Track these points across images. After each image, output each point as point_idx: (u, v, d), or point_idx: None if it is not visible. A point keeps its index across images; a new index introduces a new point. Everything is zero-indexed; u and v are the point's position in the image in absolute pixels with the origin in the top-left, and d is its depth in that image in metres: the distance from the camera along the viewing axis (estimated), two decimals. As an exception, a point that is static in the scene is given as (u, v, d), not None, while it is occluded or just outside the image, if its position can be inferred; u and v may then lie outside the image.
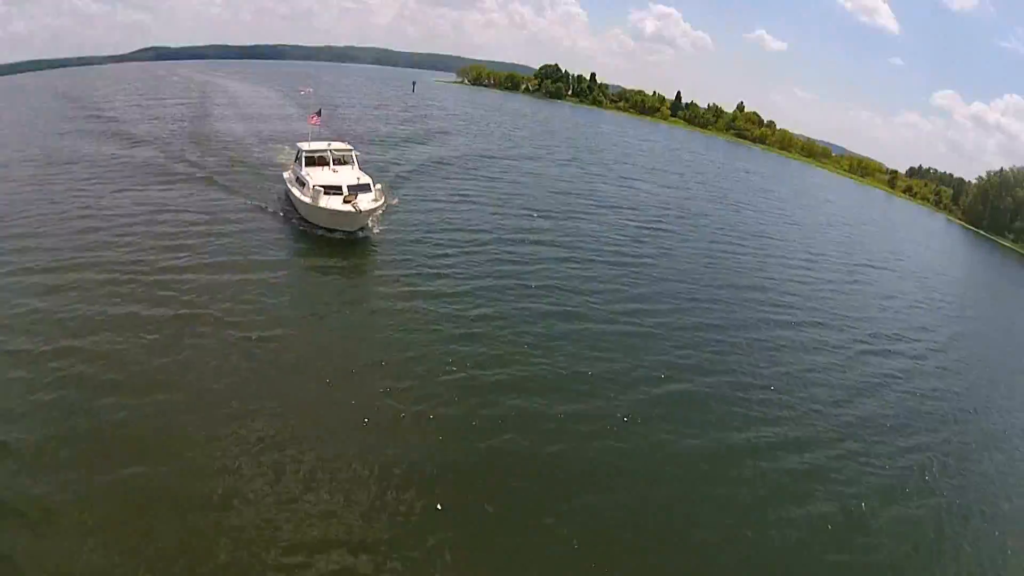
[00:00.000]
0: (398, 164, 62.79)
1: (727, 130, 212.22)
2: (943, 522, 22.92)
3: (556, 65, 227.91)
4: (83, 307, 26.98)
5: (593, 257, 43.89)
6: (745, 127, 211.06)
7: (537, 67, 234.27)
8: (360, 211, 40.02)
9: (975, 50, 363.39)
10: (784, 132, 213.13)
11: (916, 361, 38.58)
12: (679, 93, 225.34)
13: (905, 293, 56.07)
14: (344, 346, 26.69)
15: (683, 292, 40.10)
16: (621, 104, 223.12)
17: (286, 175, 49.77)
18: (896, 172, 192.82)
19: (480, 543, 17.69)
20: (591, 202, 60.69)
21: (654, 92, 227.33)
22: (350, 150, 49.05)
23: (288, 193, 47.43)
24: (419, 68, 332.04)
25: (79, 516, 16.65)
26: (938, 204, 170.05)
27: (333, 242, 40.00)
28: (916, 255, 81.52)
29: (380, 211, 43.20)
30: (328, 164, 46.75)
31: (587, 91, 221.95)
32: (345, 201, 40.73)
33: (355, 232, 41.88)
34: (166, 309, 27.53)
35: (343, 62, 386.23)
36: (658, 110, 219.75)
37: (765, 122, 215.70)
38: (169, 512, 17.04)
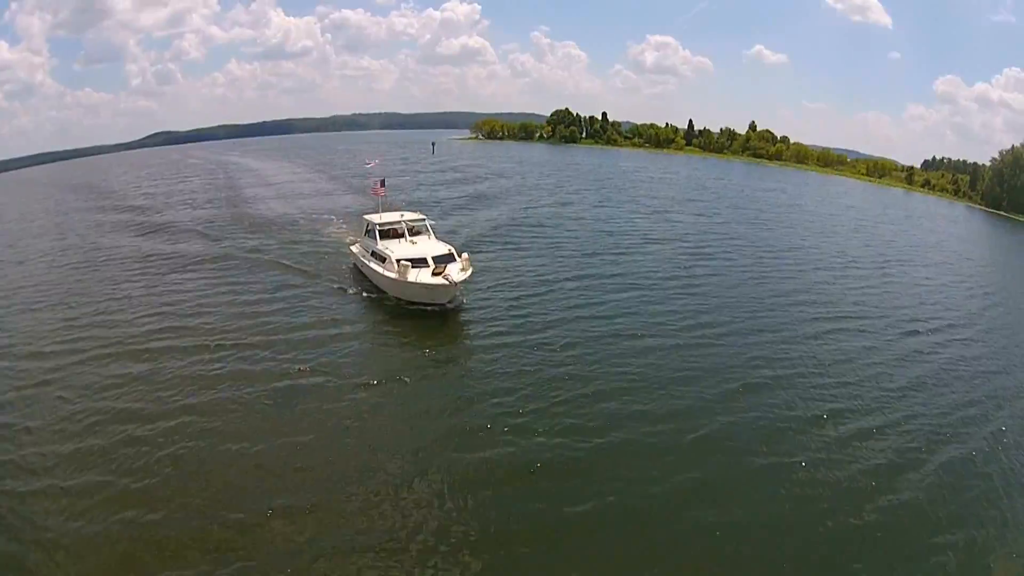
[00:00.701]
0: (462, 228, 65.57)
1: (743, 152, 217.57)
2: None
3: (567, 109, 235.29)
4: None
5: (655, 287, 49.36)
6: (760, 146, 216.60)
7: (548, 114, 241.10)
8: (454, 283, 39.68)
9: (968, 29, 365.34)
10: (799, 146, 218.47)
11: (955, 336, 44.59)
12: (691, 121, 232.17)
13: (933, 279, 62.01)
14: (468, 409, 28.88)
15: (740, 306, 46.14)
16: (635, 140, 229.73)
17: (355, 249, 50.10)
18: (913, 168, 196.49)
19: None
20: (636, 239, 66.38)
21: (667, 124, 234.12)
22: (423, 219, 49.21)
23: (361, 268, 47.97)
24: (428, 128, 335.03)
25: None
26: (957, 193, 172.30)
27: (425, 315, 40.68)
28: (940, 244, 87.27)
29: (469, 280, 42.08)
30: (403, 236, 46.79)
31: (600, 131, 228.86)
32: (435, 273, 40.23)
33: (446, 304, 41.68)
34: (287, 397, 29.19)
35: (352, 130, 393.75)
36: (672, 141, 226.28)
37: (779, 138, 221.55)
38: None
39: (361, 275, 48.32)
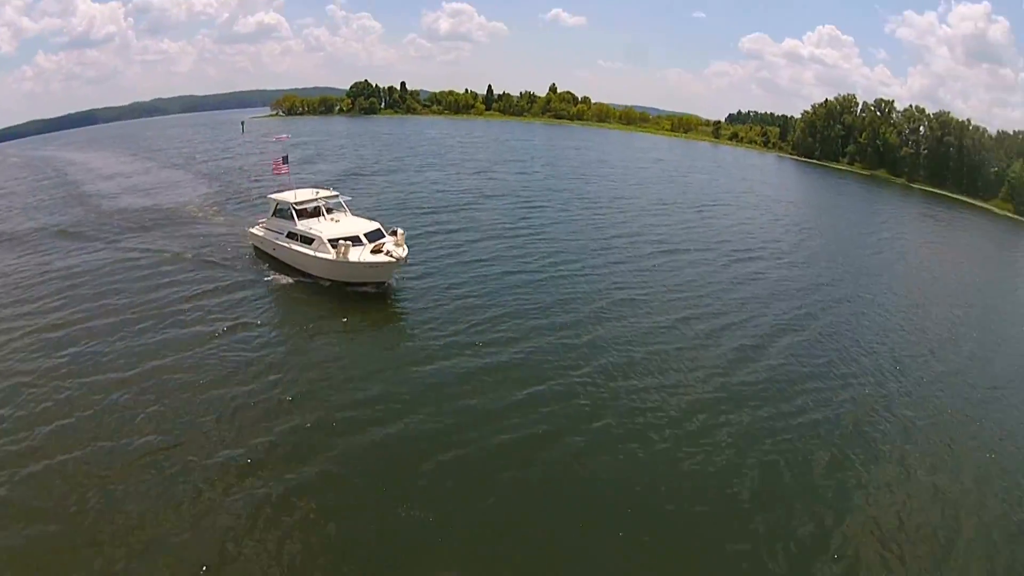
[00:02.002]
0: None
1: (543, 114, 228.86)
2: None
3: (366, 81, 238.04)
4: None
5: (506, 235, 56.90)
6: (561, 107, 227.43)
7: (346, 87, 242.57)
8: (402, 258, 41.47)
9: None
10: (601, 105, 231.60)
11: (776, 260, 57.02)
12: (490, 86, 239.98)
13: (753, 219, 75.23)
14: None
15: (587, 247, 55.27)
16: (435, 108, 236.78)
17: (259, 232, 49.68)
18: (719, 122, 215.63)
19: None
20: (472, 196, 73.31)
21: (466, 90, 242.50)
22: (337, 196, 49.32)
23: (273, 252, 47.90)
24: (227, 108, 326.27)
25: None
26: (766, 144, 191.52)
27: (356, 296, 41.91)
28: (753, 190, 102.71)
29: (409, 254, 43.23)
30: (321, 215, 46.99)
31: (400, 101, 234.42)
32: (374, 251, 41.74)
33: (388, 281, 43.41)
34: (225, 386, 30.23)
35: (152, 115, 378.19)
36: (472, 106, 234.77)
37: (580, 99, 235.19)
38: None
39: (271, 259, 48.24)
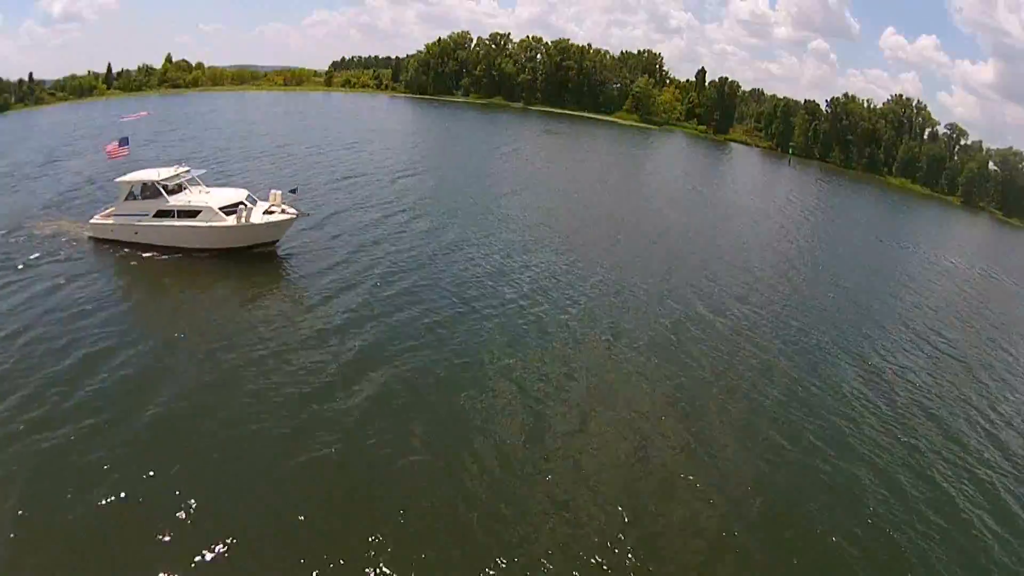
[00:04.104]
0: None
1: (161, 85, 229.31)
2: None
3: None
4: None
5: None
6: (178, 76, 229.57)
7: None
8: (304, 213, 49.91)
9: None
10: (214, 69, 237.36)
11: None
12: (109, 65, 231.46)
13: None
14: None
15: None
16: (60, 95, 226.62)
17: (104, 221, 49.83)
18: (331, 72, 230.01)
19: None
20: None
21: (88, 72, 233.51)
22: (190, 171, 51.07)
23: (134, 237, 48.48)
24: None
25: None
26: (380, 87, 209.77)
27: (249, 259, 48.03)
28: (382, 128, 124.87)
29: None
30: (185, 189, 49.49)
31: (29, 93, 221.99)
32: (267, 212, 47.68)
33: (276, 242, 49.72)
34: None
35: None
36: (95, 88, 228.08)
37: (195, 65, 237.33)
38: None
39: (126, 244, 48.87)
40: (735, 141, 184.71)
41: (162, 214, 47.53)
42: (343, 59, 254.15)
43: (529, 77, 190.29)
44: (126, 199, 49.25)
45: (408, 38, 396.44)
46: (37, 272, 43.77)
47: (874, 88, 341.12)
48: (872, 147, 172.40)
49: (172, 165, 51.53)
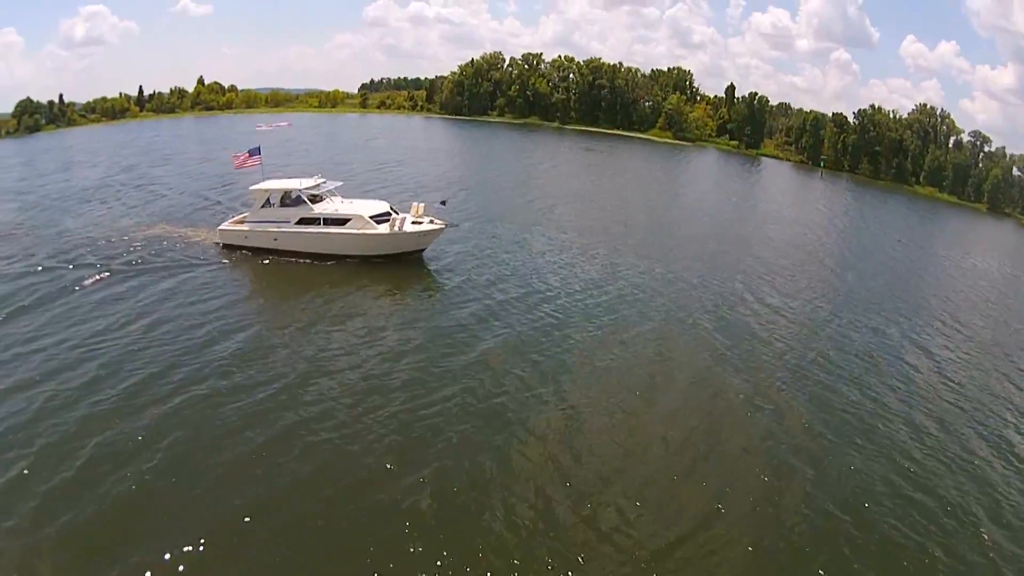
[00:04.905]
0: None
1: (194, 107, 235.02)
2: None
3: (29, 99, 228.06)
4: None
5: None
6: (211, 99, 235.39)
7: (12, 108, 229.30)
8: (451, 224, 51.96)
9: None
10: (248, 92, 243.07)
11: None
12: (141, 87, 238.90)
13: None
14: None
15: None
16: (92, 117, 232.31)
17: (238, 228, 52.10)
18: (366, 93, 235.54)
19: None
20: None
21: (120, 94, 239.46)
22: (326, 181, 53.02)
23: (274, 244, 50.62)
24: None
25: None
26: (415, 108, 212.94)
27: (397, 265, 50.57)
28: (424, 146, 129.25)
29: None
30: (324, 199, 51.73)
31: (60, 115, 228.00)
32: (414, 222, 50.01)
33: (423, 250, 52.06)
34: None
35: None
36: (127, 110, 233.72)
37: (228, 88, 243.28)
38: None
39: (260, 251, 51.05)
40: (767, 155, 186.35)
41: (305, 221, 49.70)
42: (371, 81, 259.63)
43: (563, 96, 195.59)
44: (261, 207, 51.30)
45: (433, 59, 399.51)
46: (191, 273, 47.16)
47: (897, 98, 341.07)
48: (900, 157, 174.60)
49: (309, 176, 53.24)
